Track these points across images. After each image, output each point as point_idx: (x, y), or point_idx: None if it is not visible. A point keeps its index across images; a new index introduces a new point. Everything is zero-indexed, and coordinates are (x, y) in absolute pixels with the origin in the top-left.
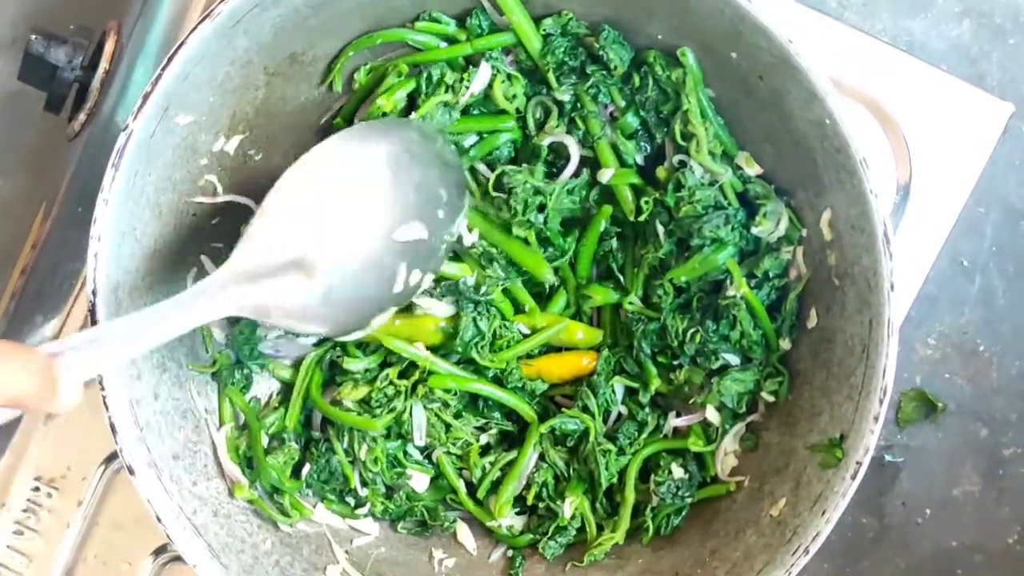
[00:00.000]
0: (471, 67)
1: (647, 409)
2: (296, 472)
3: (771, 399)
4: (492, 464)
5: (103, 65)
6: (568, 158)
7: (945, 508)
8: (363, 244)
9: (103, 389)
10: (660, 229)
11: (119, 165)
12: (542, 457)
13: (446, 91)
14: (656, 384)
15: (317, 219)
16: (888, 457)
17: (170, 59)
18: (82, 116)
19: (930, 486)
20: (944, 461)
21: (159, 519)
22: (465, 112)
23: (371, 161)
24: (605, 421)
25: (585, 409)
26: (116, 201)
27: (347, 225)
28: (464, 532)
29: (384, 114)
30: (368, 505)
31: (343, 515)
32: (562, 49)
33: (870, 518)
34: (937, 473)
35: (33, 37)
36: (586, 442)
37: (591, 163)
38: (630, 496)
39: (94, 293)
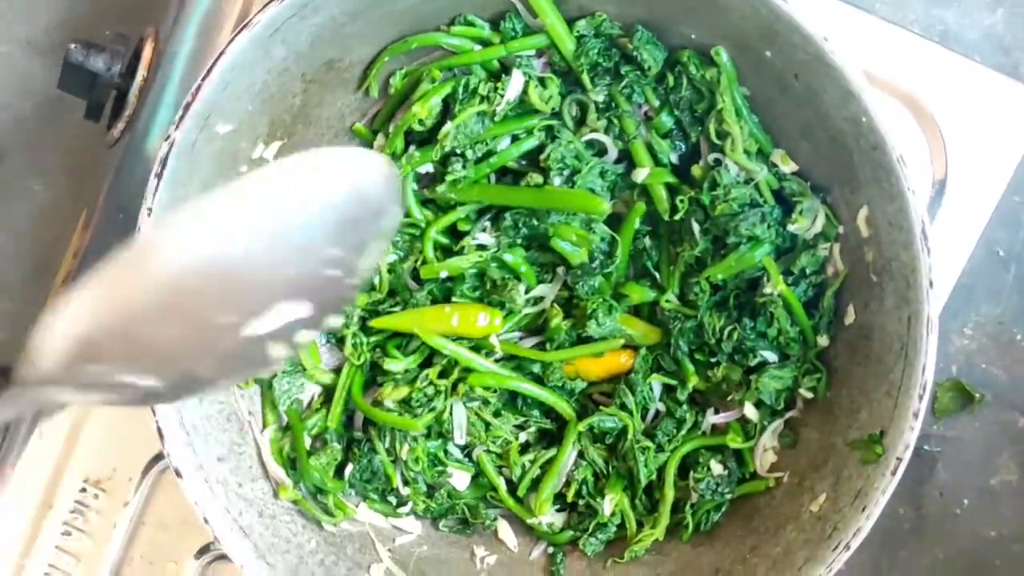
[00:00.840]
0: (504, 76)
1: (685, 407)
2: (339, 472)
3: (809, 396)
4: (532, 462)
5: (141, 72)
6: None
7: (983, 498)
8: (221, 342)
9: None
10: (696, 227)
11: (162, 175)
12: (581, 455)
13: (481, 101)
14: (694, 382)
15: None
16: (925, 447)
17: (209, 70)
18: (121, 124)
19: (968, 476)
20: (981, 451)
21: (207, 521)
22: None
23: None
24: (643, 419)
25: (623, 407)
26: (159, 211)
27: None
28: (505, 530)
29: (420, 121)
30: (410, 504)
31: (385, 514)
32: (596, 50)
33: (907, 508)
34: (974, 463)
35: (72, 46)
36: (624, 440)
37: (627, 162)
38: (669, 493)
39: None
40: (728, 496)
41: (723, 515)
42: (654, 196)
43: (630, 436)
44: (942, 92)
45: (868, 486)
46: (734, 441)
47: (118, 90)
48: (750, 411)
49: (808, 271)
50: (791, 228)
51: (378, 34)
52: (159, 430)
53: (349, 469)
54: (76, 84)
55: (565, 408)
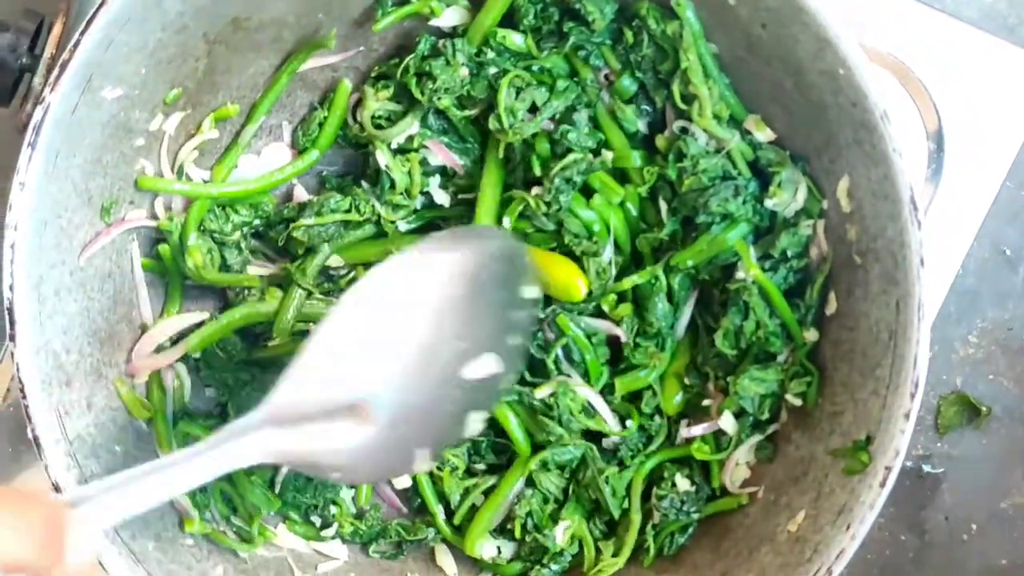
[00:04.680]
0: None
1: (655, 419)
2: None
3: (798, 403)
4: (474, 487)
5: (48, 50)
6: None
7: (993, 523)
8: (428, 386)
9: (24, 397)
10: (663, 207)
11: (36, 144)
12: (531, 482)
13: None
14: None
15: (377, 357)
16: (927, 467)
17: (88, 23)
18: (30, 106)
19: (976, 498)
20: (991, 471)
21: None
22: None
23: (440, 286)
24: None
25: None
26: (35, 185)
27: (411, 364)
28: (444, 554)
29: None
30: (335, 526)
31: (308, 538)
32: (531, 14)
33: (909, 535)
34: (983, 484)
35: None
36: (585, 469)
37: None
38: (636, 518)
39: (11, 289)
40: (695, 516)
41: (689, 537)
42: (631, 176)
43: (592, 467)
44: (938, 62)
45: (853, 500)
46: (700, 452)
47: (30, 71)
48: (727, 422)
49: (790, 253)
50: (769, 204)
51: None
52: (35, 439)
53: (283, 472)
54: None
55: (522, 444)
